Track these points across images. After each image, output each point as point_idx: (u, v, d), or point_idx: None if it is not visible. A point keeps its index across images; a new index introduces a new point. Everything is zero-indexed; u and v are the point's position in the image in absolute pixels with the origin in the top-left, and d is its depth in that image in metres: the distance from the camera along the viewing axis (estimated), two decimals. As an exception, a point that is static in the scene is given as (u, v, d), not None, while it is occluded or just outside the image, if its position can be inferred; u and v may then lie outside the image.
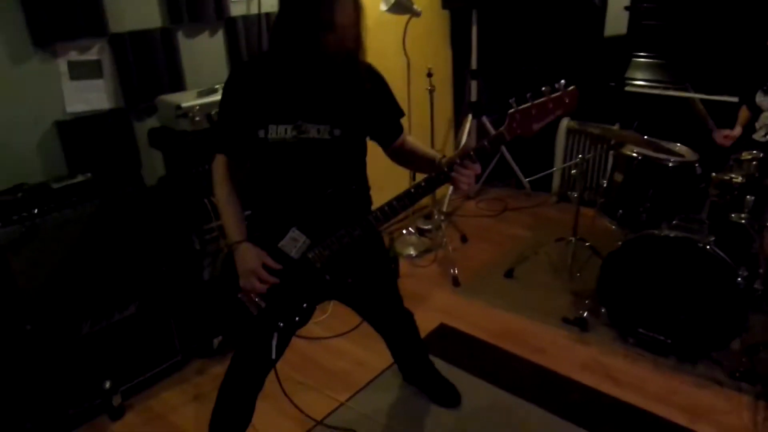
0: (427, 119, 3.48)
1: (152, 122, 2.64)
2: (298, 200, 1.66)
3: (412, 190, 1.57)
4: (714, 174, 2.40)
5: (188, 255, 2.54)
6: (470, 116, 3.98)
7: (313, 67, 1.54)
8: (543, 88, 1.48)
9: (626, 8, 3.92)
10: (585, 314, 2.74)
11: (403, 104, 1.76)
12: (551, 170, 4.06)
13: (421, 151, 1.78)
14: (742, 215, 2.36)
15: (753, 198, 2.32)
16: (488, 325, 2.81)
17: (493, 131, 4.09)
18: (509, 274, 3.22)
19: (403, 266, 3.38)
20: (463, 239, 3.66)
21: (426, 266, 3.42)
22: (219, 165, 1.68)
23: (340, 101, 1.62)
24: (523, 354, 2.59)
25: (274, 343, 1.69)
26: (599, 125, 3.57)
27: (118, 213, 2.26)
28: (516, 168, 4.18)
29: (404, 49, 3.29)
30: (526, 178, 4.21)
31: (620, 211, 2.80)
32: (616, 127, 3.79)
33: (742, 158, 2.38)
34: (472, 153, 1.52)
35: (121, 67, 2.49)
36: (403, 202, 1.58)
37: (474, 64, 3.91)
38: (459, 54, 4.03)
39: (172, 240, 2.51)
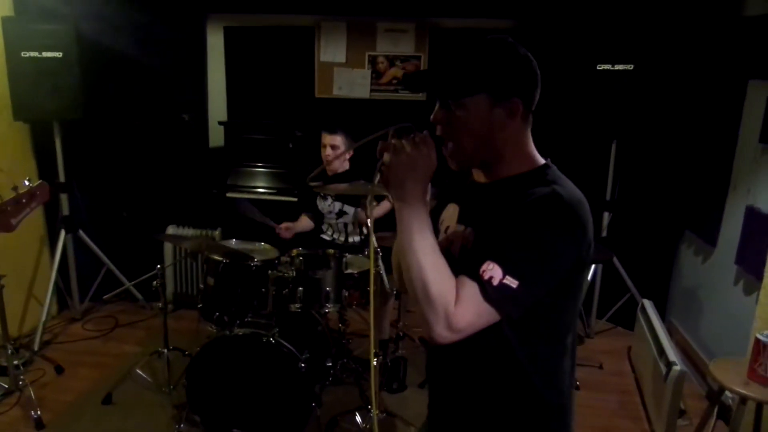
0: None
1: None
2: None
3: None
4: (270, 271, 2.68)
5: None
6: (63, 232, 3.67)
7: None
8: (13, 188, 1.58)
9: (220, 123, 4.31)
10: (182, 426, 2.67)
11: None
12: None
13: None
14: (298, 305, 2.68)
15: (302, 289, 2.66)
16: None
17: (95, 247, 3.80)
18: (107, 400, 2.96)
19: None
20: (58, 370, 3.24)
21: (5, 412, 2.88)
22: None
23: None
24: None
25: None
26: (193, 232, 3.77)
27: None
28: (123, 278, 4.00)
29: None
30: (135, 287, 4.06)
31: (217, 313, 2.88)
32: (217, 232, 4.01)
33: (293, 255, 2.73)
34: None
35: None
36: None
37: (62, 177, 3.65)
38: (45, 166, 3.73)
39: None
